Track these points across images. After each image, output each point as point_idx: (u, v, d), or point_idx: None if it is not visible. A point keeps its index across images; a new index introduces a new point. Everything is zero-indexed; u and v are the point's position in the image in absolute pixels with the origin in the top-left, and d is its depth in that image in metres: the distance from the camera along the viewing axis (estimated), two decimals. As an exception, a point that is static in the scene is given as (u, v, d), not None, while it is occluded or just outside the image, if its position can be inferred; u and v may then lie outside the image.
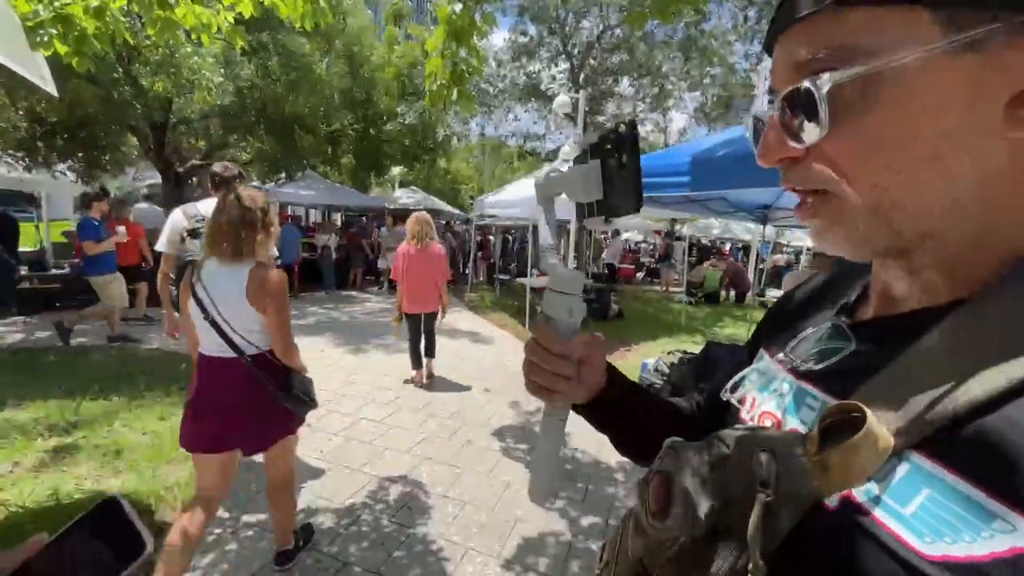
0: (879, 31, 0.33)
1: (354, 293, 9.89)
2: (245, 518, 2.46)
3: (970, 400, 0.30)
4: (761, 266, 11.89)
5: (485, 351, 6.11)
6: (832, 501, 0.35)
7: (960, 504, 0.29)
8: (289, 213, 12.09)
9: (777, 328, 0.57)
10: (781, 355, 0.50)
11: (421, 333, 4.62)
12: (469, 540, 2.43)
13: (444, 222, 13.95)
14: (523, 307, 7.61)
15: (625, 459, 0.76)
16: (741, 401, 0.52)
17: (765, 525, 0.33)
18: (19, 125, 6.49)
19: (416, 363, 4.67)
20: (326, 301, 8.68)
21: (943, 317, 0.35)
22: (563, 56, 14.29)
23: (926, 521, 0.30)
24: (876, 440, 0.32)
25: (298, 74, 7.76)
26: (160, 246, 2.63)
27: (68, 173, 7.83)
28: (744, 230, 13.25)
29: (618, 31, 13.34)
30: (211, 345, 1.80)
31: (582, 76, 13.97)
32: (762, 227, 6.60)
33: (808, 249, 13.50)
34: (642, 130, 17.35)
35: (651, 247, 19.99)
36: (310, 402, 1.92)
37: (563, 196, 0.63)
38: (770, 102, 0.40)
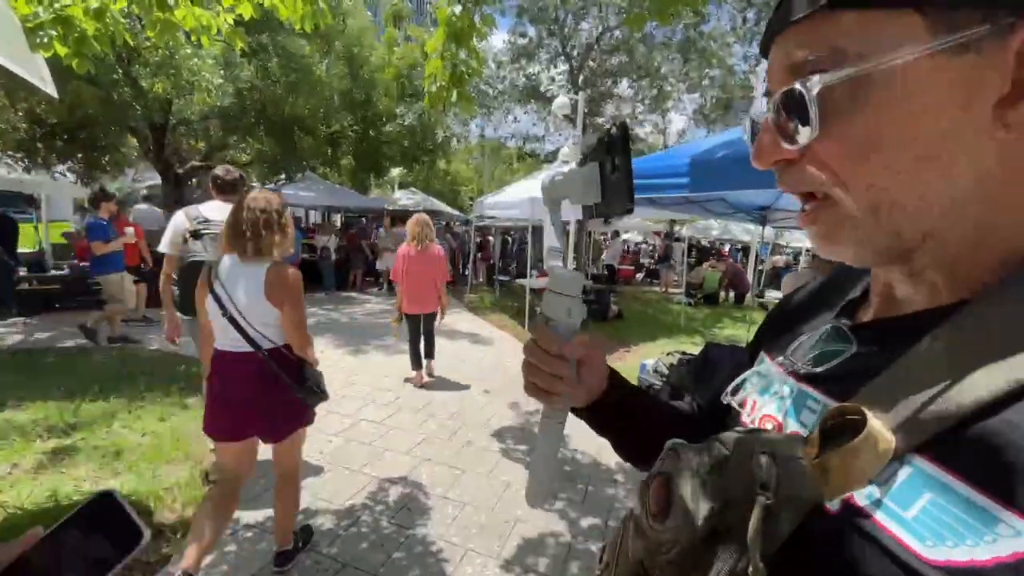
0: (870, 33, 0.34)
1: (354, 294, 9.89)
2: (245, 520, 2.46)
3: (972, 402, 0.30)
4: (760, 267, 11.88)
5: (485, 352, 6.11)
6: (833, 504, 0.34)
7: (962, 508, 0.29)
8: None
9: (778, 331, 0.57)
10: (782, 358, 0.50)
11: (421, 334, 4.66)
12: (469, 541, 2.43)
13: (444, 223, 13.96)
14: (523, 308, 7.61)
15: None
16: (742, 404, 0.52)
17: (765, 528, 0.33)
18: (19, 126, 6.49)
19: (416, 363, 4.69)
20: (326, 302, 8.68)
21: (944, 319, 0.35)
22: (562, 58, 14.31)
23: (928, 525, 0.30)
24: (877, 443, 0.32)
25: (298, 75, 7.77)
26: (163, 247, 2.65)
27: (68, 174, 7.84)
28: (743, 231, 13.28)
29: (617, 33, 13.36)
30: (228, 340, 1.87)
31: (581, 78, 13.99)
32: (761, 228, 6.61)
33: (807, 250, 13.52)
34: (641, 131, 17.38)
35: (650, 248, 20.00)
36: (322, 394, 2.01)
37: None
38: (766, 104, 0.41)
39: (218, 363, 1.91)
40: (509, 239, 14.47)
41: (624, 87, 15.37)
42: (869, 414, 0.32)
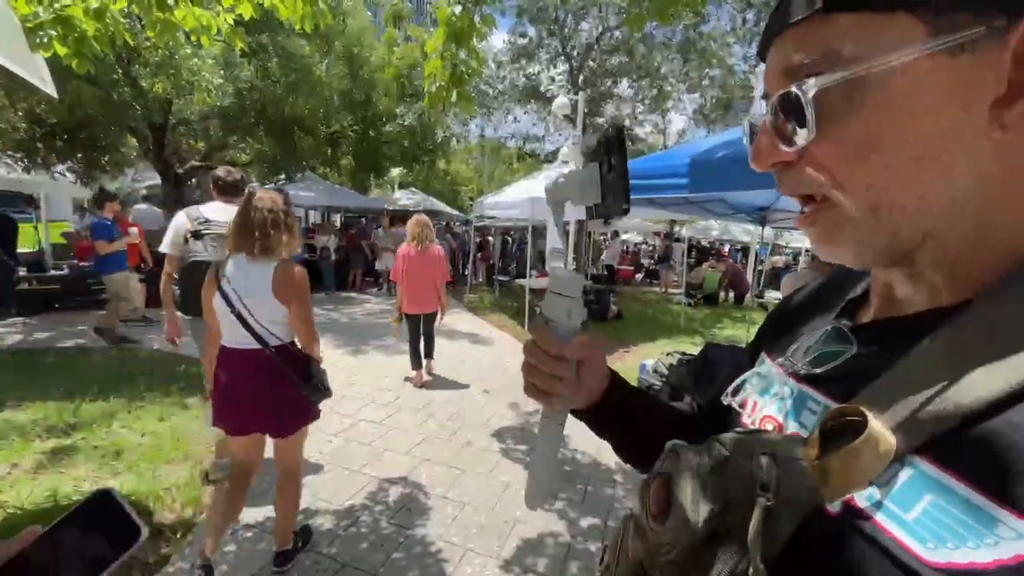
0: (865, 36, 0.34)
1: (353, 294, 9.88)
2: (244, 519, 2.46)
3: (973, 403, 0.30)
4: (760, 267, 11.89)
5: (484, 352, 6.11)
6: (834, 505, 0.34)
7: (963, 509, 0.29)
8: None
9: (778, 332, 0.57)
10: (782, 359, 0.50)
11: (420, 334, 4.68)
12: (468, 541, 2.43)
13: (443, 223, 13.97)
14: (522, 308, 7.61)
15: (624, 461, 0.77)
16: (742, 405, 0.52)
17: (766, 529, 0.33)
18: (19, 126, 6.48)
19: (416, 363, 4.72)
20: (325, 302, 8.67)
21: (944, 319, 0.35)
22: (562, 58, 14.31)
23: (929, 527, 0.30)
24: (877, 444, 0.32)
25: (298, 75, 7.77)
26: (164, 247, 2.67)
27: (67, 174, 7.83)
28: (743, 232, 13.28)
29: (617, 33, 13.36)
30: (235, 337, 1.91)
31: (581, 78, 13.99)
32: (761, 229, 6.61)
33: (806, 251, 13.52)
34: (641, 131, 17.38)
35: (650, 248, 20.01)
36: (326, 391, 2.05)
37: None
38: (764, 107, 0.41)
39: (226, 360, 1.95)
40: (509, 239, 14.48)
41: (624, 87, 15.37)
42: (870, 415, 0.32)
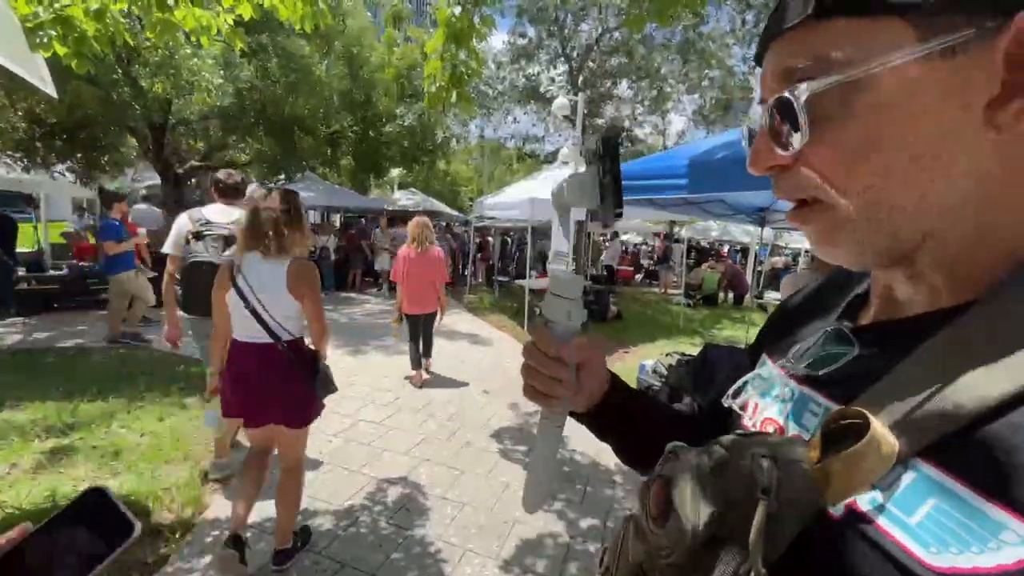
0: (856, 41, 0.34)
1: (353, 295, 9.88)
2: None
3: (975, 406, 0.30)
4: (759, 268, 11.89)
5: (484, 352, 6.10)
6: (836, 509, 0.34)
7: (967, 514, 0.28)
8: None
9: (779, 333, 0.57)
10: (783, 360, 0.49)
11: (420, 334, 4.72)
12: (467, 541, 2.43)
13: (443, 224, 13.96)
14: (522, 309, 7.61)
15: (624, 461, 0.77)
16: (743, 407, 0.52)
17: (767, 532, 0.33)
18: (18, 126, 6.47)
19: (416, 363, 4.75)
20: (325, 302, 8.58)
21: (946, 321, 0.35)
22: (562, 58, 14.33)
23: (932, 531, 0.29)
24: (880, 447, 0.32)
25: (297, 76, 7.76)
26: (167, 248, 2.73)
27: (67, 174, 7.81)
28: (742, 232, 13.28)
29: (617, 34, 13.38)
30: (249, 332, 1.98)
31: (581, 78, 14.01)
32: (760, 229, 6.61)
33: (806, 251, 13.53)
34: (640, 132, 17.40)
35: (650, 249, 20.01)
36: (333, 386, 2.15)
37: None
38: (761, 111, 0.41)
39: (237, 354, 2.01)
40: (508, 240, 14.47)
41: (624, 88, 15.39)
42: (872, 418, 0.32)
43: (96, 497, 0.44)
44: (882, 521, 0.32)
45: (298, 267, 1.99)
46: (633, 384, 0.70)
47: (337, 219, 14.59)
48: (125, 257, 5.23)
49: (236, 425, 2.92)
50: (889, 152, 0.34)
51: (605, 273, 13.12)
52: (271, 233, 1.95)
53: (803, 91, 0.36)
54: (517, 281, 10.76)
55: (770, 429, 0.47)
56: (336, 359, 5.35)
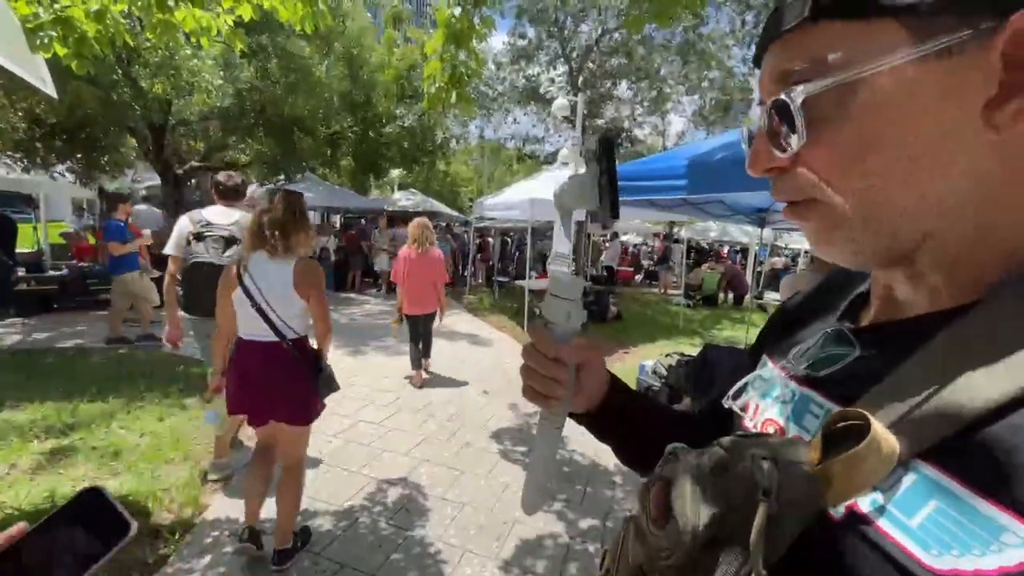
0: (851, 43, 0.34)
1: (352, 295, 9.87)
2: (242, 521, 2.45)
3: (977, 407, 0.30)
4: (759, 269, 11.89)
5: (484, 353, 6.10)
6: (836, 510, 0.34)
7: (968, 516, 0.28)
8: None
9: (780, 334, 0.57)
10: (784, 361, 0.49)
11: (420, 334, 4.75)
12: (467, 542, 2.43)
13: (443, 224, 13.95)
14: (522, 309, 7.61)
15: (623, 462, 0.77)
16: (744, 408, 0.52)
17: (768, 534, 0.33)
18: (18, 126, 6.46)
19: (416, 363, 4.77)
20: (325, 303, 8.65)
21: (946, 322, 0.35)
22: (562, 59, 14.35)
23: (933, 533, 0.29)
24: (881, 448, 0.31)
25: (297, 76, 7.76)
26: (168, 249, 2.77)
27: (67, 175, 7.80)
28: (742, 233, 13.27)
29: (616, 35, 13.39)
30: (254, 330, 2.01)
31: (580, 79, 14.03)
32: (760, 230, 6.61)
33: (805, 252, 13.53)
34: (640, 133, 17.41)
35: (650, 250, 20.01)
36: (336, 384, 2.19)
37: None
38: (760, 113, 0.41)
39: (243, 352, 2.05)
40: (508, 240, 14.47)
41: (623, 89, 15.41)
42: (873, 419, 0.32)
43: (92, 497, 0.44)
44: (883, 523, 0.32)
45: (304, 266, 2.04)
46: (633, 385, 0.70)
47: (337, 220, 14.60)
48: (129, 258, 5.24)
49: (237, 424, 2.94)
50: (887, 152, 0.34)
51: (605, 274, 13.12)
52: (277, 233, 1.98)
53: (799, 93, 0.36)
54: (517, 282, 10.75)
55: (771, 430, 0.47)
56: (336, 359, 5.33)
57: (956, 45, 0.32)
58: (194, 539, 2.32)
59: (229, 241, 2.73)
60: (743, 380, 0.53)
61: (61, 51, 2.08)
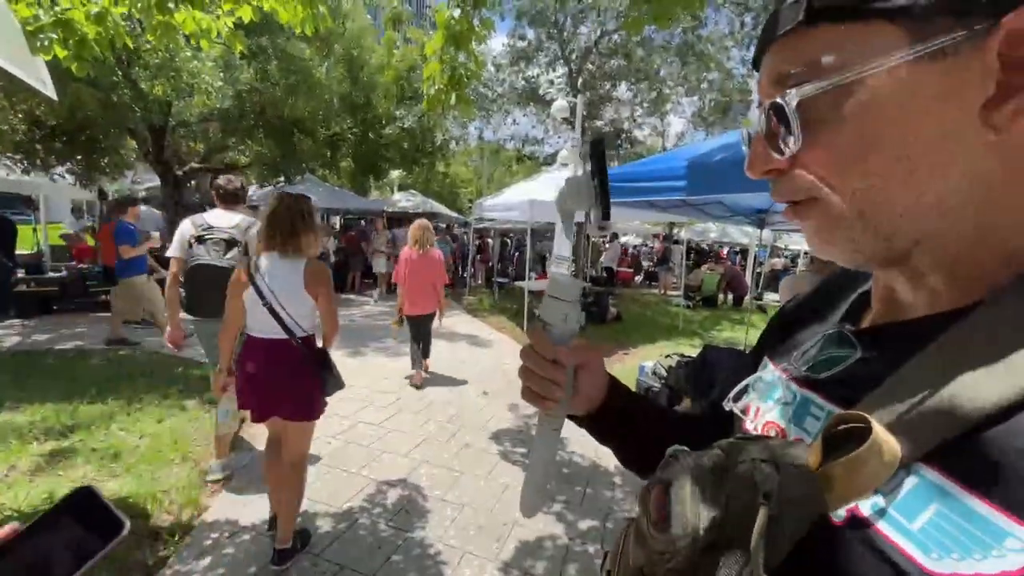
0: (847, 46, 0.35)
1: (352, 296, 9.87)
2: (243, 521, 2.45)
3: (978, 410, 0.29)
4: (759, 270, 11.90)
5: (484, 354, 6.10)
6: (837, 513, 0.34)
7: (969, 520, 0.28)
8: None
9: (781, 336, 0.56)
10: (785, 363, 0.49)
11: (420, 334, 4.77)
12: (467, 543, 2.43)
13: (443, 225, 13.97)
14: (521, 310, 7.61)
15: (623, 463, 0.76)
16: (745, 410, 0.52)
17: (769, 537, 0.33)
18: (18, 128, 6.47)
19: (416, 363, 4.79)
20: (324, 304, 8.64)
21: (948, 324, 0.35)
22: (561, 61, 14.36)
23: (934, 537, 0.29)
24: (882, 452, 0.31)
25: (297, 78, 7.77)
26: (171, 252, 2.80)
27: (66, 176, 7.81)
28: (741, 234, 13.29)
29: (616, 36, 13.41)
30: (265, 328, 2.06)
31: (580, 80, 14.04)
32: (759, 231, 6.61)
33: (805, 253, 13.54)
34: (640, 134, 17.42)
35: (649, 251, 20.02)
36: (340, 382, 2.23)
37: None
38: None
39: (252, 349, 2.09)
40: (508, 241, 14.47)
41: (623, 90, 15.43)
42: (874, 422, 0.32)
43: (85, 496, 0.44)
44: (883, 526, 0.32)
45: (314, 267, 2.11)
46: (632, 386, 0.70)
47: (337, 221, 14.60)
48: (138, 261, 5.24)
49: (238, 422, 2.96)
50: (887, 153, 0.35)
51: (605, 275, 13.13)
52: (289, 234, 2.05)
53: (795, 96, 0.36)
54: (516, 282, 10.76)
55: (771, 432, 0.47)
56: (336, 360, 5.31)
57: (951, 46, 0.32)
58: (194, 540, 2.32)
59: (230, 243, 2.75)
60: (744, 382, 0.53)
61: (61, 53, 2.08)
